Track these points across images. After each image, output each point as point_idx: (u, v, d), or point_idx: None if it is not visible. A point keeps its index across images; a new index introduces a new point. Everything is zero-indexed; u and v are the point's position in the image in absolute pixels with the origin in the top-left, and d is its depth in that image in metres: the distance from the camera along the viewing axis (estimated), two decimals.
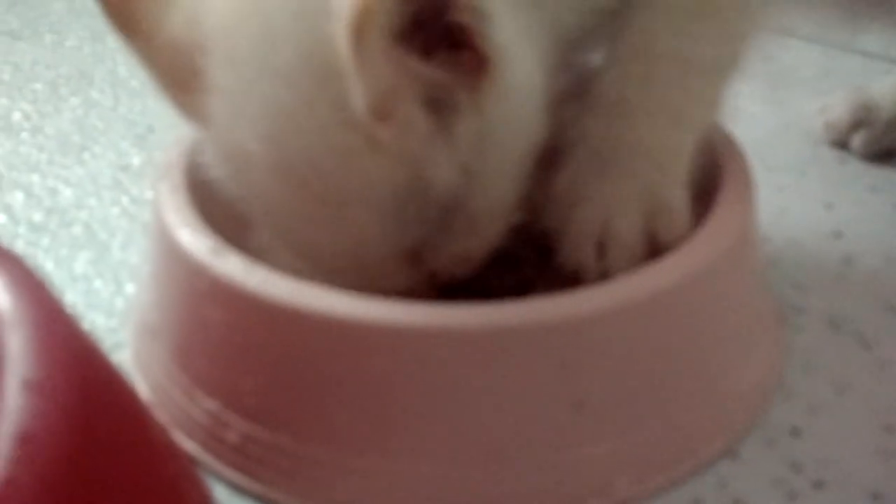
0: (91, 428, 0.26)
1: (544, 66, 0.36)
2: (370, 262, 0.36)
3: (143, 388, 0.42)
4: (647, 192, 0.39)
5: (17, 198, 0.59)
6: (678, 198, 0.39)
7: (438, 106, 0.34)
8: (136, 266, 0.51)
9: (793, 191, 0.58)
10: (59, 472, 0.25)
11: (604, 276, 0.38)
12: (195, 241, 0.38)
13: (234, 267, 0.36)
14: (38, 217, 0.57)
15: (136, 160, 0.63)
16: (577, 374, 0.35)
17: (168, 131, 0.65)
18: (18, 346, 0.27)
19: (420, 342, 0.34)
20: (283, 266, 0.37)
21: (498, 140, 0.35)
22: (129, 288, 0.50)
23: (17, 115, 0.69)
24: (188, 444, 0.39)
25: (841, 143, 0.62)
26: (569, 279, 0.38)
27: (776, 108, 0.67)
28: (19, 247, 0.53)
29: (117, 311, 0.48)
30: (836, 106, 0.63)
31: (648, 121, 0.39)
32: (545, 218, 0.39)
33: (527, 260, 0.40)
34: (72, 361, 0.27)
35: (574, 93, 0.40)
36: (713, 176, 0.41)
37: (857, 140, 0.61)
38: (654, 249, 0.38)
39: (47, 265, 0.52)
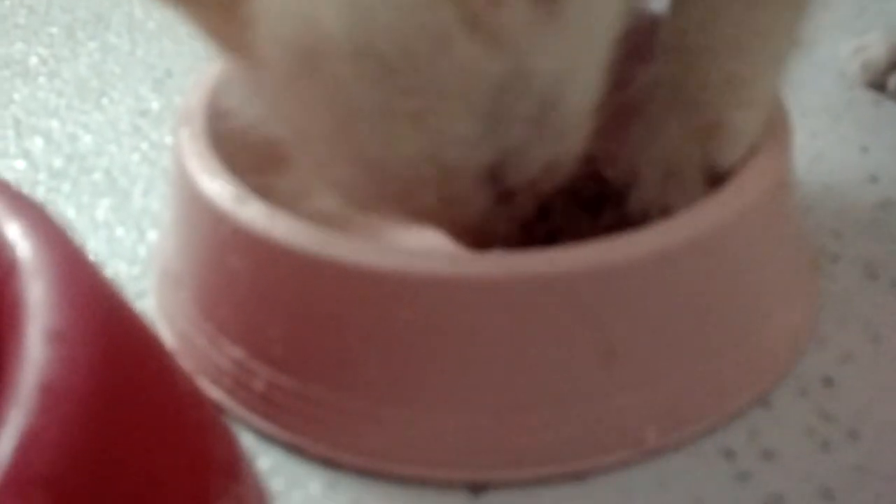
0: (116, 377, 0.26)
1: None
2: (450, 174, 0.32)
3: (167, 336, 0.41)
4: (718, 115, 0.39)
5: (37, 143, 0.58)
6: (743, 120, 0.39)
7: None
8: (158, 213, 0.51)
9: (827, 135, 0.56)
10: (84, 421, 0.24)
11: (663, 208, 0.38)
12: (217, 187, 0.37)
13: (258, 214, 0.36)
14: (58, 163, 0.56)
15: (154, 105, 0.62)
16: (606, 323, 0.34)
17: (186, 75, 0.65)
18: (40, 296, 0.26)
19: (447, 291, 0.33)
20: (313, 212, 0.36)
21: (598, 25, 0.33)
22: (152, 235, 0.49)
23: (34, 60, 0.68)
24: (214, 392, 0.39)
25: (877, 85, 0.60)
26: (595, 229, 0.37)
27: (809, 48, 0.65)
28: (40, 193, 0.53)
29: (140, 258, 0.48)
30: (873, 46, 0.61)
31: (727, 47, 0.39)
32: (618, 164, 0.40)
33: (555, 209, 0.39)
34: (95, 310, 0.26)
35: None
36: None
37: (894, 82, 0.59)
38: (715, 176, 0.39)
39: (68, 212, 0.52)
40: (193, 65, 0.66)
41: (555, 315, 0.34)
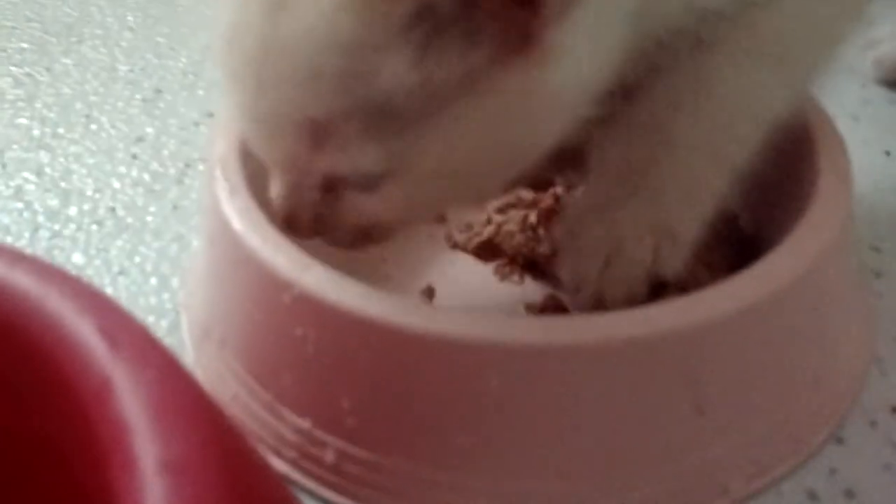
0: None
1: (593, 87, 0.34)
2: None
3: (214, 398, 0.39)
4: (668, 220, 0.37)
5: (29, 180, 0.54)
6: (691, 234, 0.37)
7: (439, 24, 0.30)
8: (177, 256, 0.48)
9: (848, 139, 0.56)
10: None
11: (599, 295, 0.37)
12: (274, 251, 0.35)
13: (323, 280, 0.34)
14: (54, 203, 0.52)
15: (149, 130, 0.58)
16: (698, 378, 0.33)
17: (177, 94, 0.61)
18: (144, 420, 0.24)
19: (536, 358, 0.32)
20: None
21: (484, 120, 0.32)
22: (175, 282, 0.47)
23: (6, 82, 0.63)
24: (275, 462, 0.37)
25: (892, 82, 0.60)
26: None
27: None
28: (43, 239, 0.50)
29: (166, 310, 0.45)
30: (886, 40, 0.60)
31: (688, 154, 0.37)
32: (555, 230, 0.39)
33: None
34: (207, 435, 0.24)
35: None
36: (808, 156, 0.39)
37: None
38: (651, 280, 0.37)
39: (76, 258, 0.48)
40: (182, 81, 0.63)
41: (648, 375, 0.33)
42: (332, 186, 0.34)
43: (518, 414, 0.33)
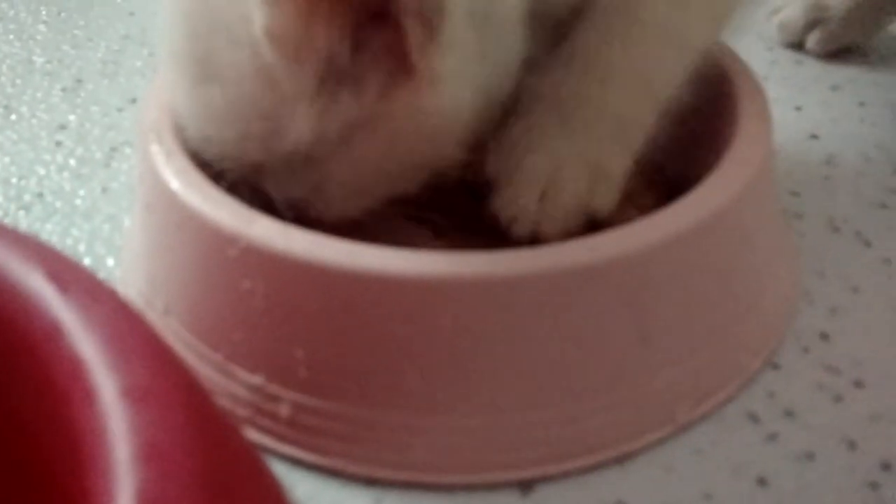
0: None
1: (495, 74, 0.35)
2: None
3: None
4: (600, 155, 0.38)
5: None
6: (622, 169, 0.38)
7: (341, 77, 0.33)
8: (109, 237, 0.47)
9: None
10: None
11: (533, 229, 0.37)
12: (216, 207, 0.35)
13: (271, 231, 0.34)
14: None
15: (72, 118, 0.57)
16: (642, 305, 0.34)
17: (98, 83, 0.60)
18: (98, 354, 0.24)
19: (485, 292, 0.33)
20: None
21: (383, 143, 0.35)
22: (109, 262, 0.46)
23: None
24: None
25: (796, 44, 0.63)
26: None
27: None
28: None
29: None
30: (789, 6, 0.63)
31: (621, 85, 0.38)
32: (489, 162, 0.39)
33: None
34: (165, 364, 0.24)
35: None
36: (728, 101, 0.41)
37: (813, 39, 0.62)
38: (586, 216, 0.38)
39: None
40: (103, 70, 0.62)
41: (594, 303, 0.33)
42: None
43: (469, 349, 0.33)
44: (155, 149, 0.38)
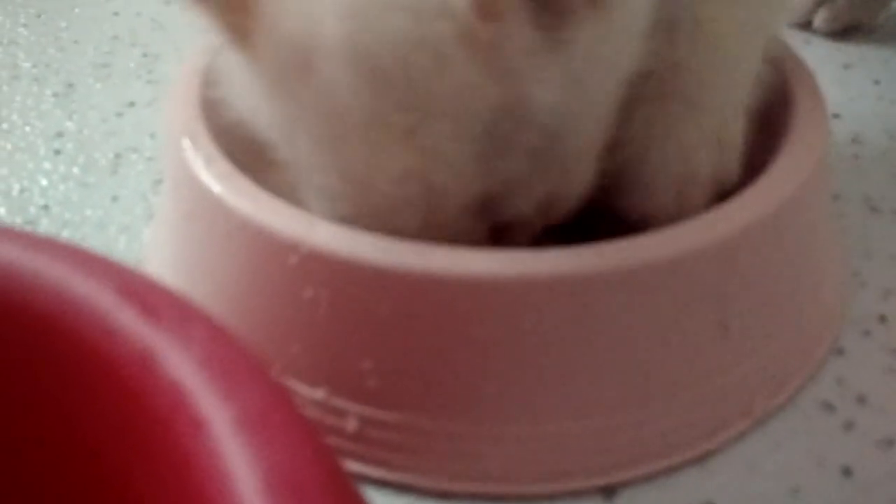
0: None
1: None
2: (438, 199, 0.31)
3: None
4: (722, 130, 0.37)
5: None
6: (741, 132, 0.37)
7: (552, 14, 0.29)
8: (124, 250, 0.45)
9: None
10: None
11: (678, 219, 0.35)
12: (274, 214, 0.33)
13: (334, 235, 0.32)
14: None
15: (69, 125, 0.54)
16: (722, 296, 0.33)
17: (91, 87, 0.57)
18: (200, 382, 0.22)
19: (569, 291, 0.31)
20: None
21: (608, 61, 0.32)
22: None
23: None
24: None
25: (803, 24, 0.63)
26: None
27: None
28: None
29: None
30: None
31: (732, 47, 0.36)
32: (613, 160, 0.36)
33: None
34: (275, 390, 0.22)
35: None
36: (781, 85, 0.40)
37: (820, 18, 0.62)
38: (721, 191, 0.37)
39: None
40: (95, 74, 0.59)
41: (678, 296, 0.32)
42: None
43: (548, 352, 0.32)
44: (192, 154, 0.36)
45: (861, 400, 0.37)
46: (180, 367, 0.22)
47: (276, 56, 0.31)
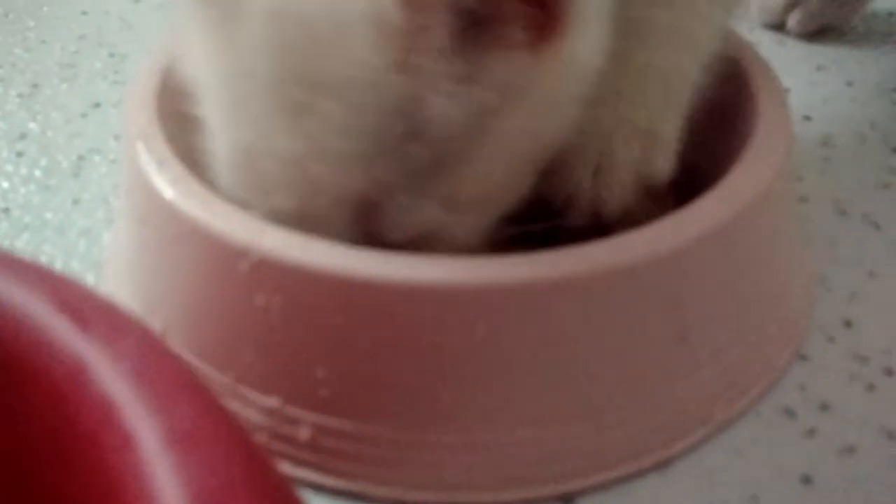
0: None
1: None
2: (308, 192, 0.30)
3: None
4: (650, 120, 0.36)
5: None
6: (674, 131, 0.37)
7: (479, 35, 0.28)
8: (85, 252, 0.44)
9: None
10: None
11: (595, 205, 0.36)
12: (224, 219, 0.32)
13: (285, 241, 0.31)
14: None
15: (32, 126, 0.53)
16: (680, 304, 0.33)
17: (57, 87, 0.57)
18: (132, 396, 0.21)
19: (523, 298, 0.31)
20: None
21: (526, 118, 0.31)
22: (90, 278, 0.42)
23: None
24: None
25: (777, 25, 0.62)
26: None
27: None
28: None
29: None
30: None
31: (667, 45, 0.36)
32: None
33: None
34: (206, 404, 0.21)
35: None
36: (742, 84, 0.39)
37: (793, 20, 0.61)
38: (651, 190, 0.36)
39: None
40: (61, 74, 0.58)
41: (635, 303, 0.32)
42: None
43: (506, 360, 0.31)
44: (145, 158, 0.35)
45: (824, 407, 0.37)
46: (111, 380, 0.21)
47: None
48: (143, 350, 0.22)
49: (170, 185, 0.34)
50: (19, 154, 0.51)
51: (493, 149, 0.31)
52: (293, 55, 0.28)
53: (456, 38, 0.28)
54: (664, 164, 0.36)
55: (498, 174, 0.32)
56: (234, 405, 0.33)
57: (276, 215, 0.31)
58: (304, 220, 0.31)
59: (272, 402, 0.33)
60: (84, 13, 0.66)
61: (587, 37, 0.31)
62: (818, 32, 0.62)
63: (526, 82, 0.30)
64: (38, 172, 0.49)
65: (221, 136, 0.31)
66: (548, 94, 0.31)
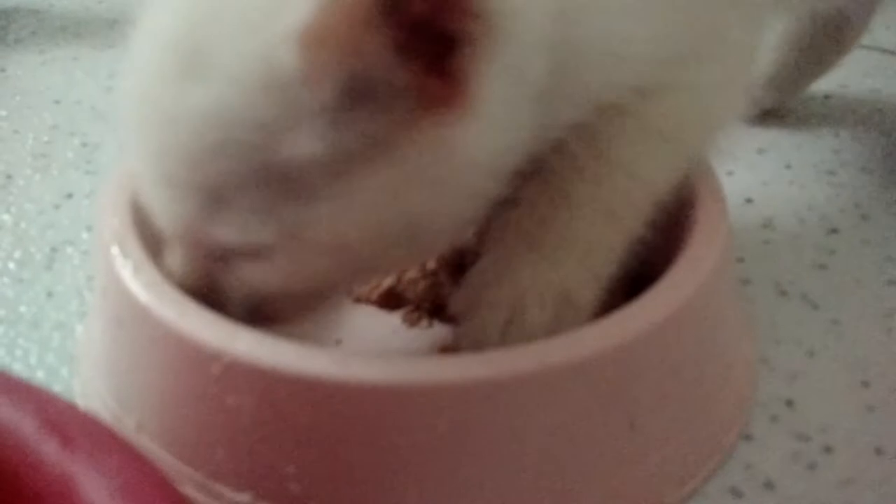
0: None
1: (513, 148, 0.34)
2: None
3: None
4: (567, 282, 0.37)
5: None
6: (589, 300, 0.38)
7: (370, 96, 0.30)
8: (60, 346, 0.45)
9: None
10: None
11: None
12: (197, 324, 0.34)
13: (256, 345, 0.33)
14: None
15: (6, 217, 0.55)
16: (630, 394, 0.35)
17: (30, 179, 0.58)
18: None
19: (484, 394, 0.33)
20: None
21: (397, 185, 0.32)
22: (64, 372, 0.44)
23: None
24: None
25: None
26: None
27: None
28: None
29: None
30: None
31: (588, 215, 0.38)
32: (453, 299, 0.39)
33: None
34: None
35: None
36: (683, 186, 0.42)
37: None
38: None
39: None
40: (34, 164, 0.60)
41: (589, 395, 0.34)
42: (222, 255, 0.34)
43: (467, 454, 0.33)
44: (120, 262, 0.37)
45: (768, 485, 0.39)
46: (97, 497, 0.23)
47: None
48: (128, 467, 0.23)
49: (145, 289, 0.36)
50: None
51: (352, 198, 0.31)
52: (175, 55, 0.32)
53: (345, 96, 0.30)
54: (576, 326, 0.36)
55: (352, 232, 0.32)
56: (206, 501, 0.35)
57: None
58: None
59: (244, 497, 0.34)
60: (56, 102, 0.68)
61: (488, 131, 0.32)
62: (759, 116, 0.65)
63: (405, 148, 0.31)
64: (11, 265, 0.51)
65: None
66: (427, 171, 0.31)
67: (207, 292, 0.35)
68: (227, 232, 0.32)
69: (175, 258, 0.36)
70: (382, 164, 0.31)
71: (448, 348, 0.42)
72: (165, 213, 0.34)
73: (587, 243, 0.37)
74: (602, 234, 0.38)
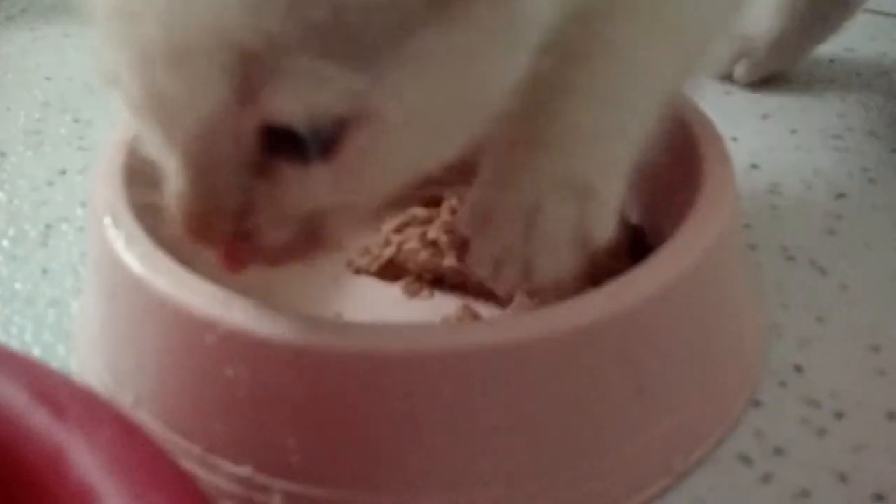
0: None
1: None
2: (191, 22, 0.25)
3: None
4: (587, 175, 0.33)
5: None
6: (614, 190, 0.34)
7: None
8: (55, 322, 0.44)
9: None
10: None
11: (527, 273, 0.33)
12: (191, 292, 0.33)
13: (251, 314, 0.32)
14: None
15: None
16: (637, 359, 0.34)
17: (24, 154, 0.57)
18: (108, 484, 0.22)
19: (487, 361, 0.32)
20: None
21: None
22: (61, 349, 0.43)
23: None
24: None
25: (724, 76, 0.65)
26: None
27: None
28: None
29: None
30: None
31: (601, 104, 0.34)
32: (461, 220, 0.35)
33: None
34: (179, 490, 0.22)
35: None
36: (690, 146, 0.41)
37: (740, 70, 0.64)
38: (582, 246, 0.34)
39: None
40: (26, 141, 0.59)
41: (587, 364, 0.33)
42: (264, 167, 0.27)
43: (472, 422, 0.32)
44: (113, 233, 0.36)
45: (778, 452, 0.38)
46: (91, 469, 0.22)
47: None
48: (121, 438, 0.23)
49: (138, 260, 0.35)
50: None
51: (420, 63, 0.27)
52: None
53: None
54: (605, 223, 0.33)
55: (424, 104, 0.28)
56: (205, 474, 0.34)
57: (141, 62, 0.26)
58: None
59: (243, 470, 0.34)
60: (48, 79, 0.67)
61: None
62: (763, 81, 0.64)
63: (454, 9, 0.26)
64: (5, 242, 0.50)
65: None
66: (490, 29, 0.27)
67: (229, 224, 0.29)
68: (280, 106, 0.25)
69: (181, 184, 0.28)
70: (447, 22, 0.26)
71: (450, 318, 0.41)
72: (180, 109, 0.26)
73: (597, 129, 0.33)
74: (611, 120, 0.34)
